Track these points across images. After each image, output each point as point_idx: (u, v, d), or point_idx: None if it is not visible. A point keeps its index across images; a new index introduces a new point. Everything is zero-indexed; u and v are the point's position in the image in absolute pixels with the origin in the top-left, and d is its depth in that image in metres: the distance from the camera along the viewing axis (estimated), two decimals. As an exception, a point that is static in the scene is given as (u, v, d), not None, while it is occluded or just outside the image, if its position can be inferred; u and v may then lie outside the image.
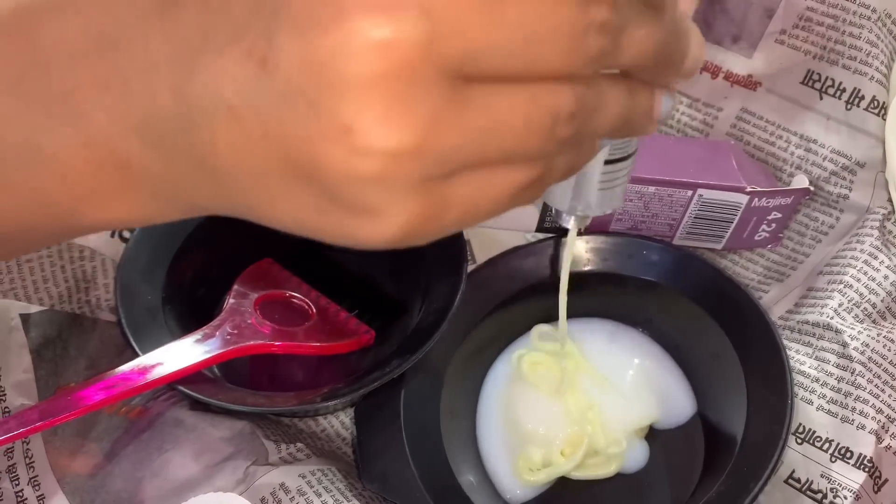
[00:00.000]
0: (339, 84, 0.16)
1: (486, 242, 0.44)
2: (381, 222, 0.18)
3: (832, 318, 0.37)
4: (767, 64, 0.43)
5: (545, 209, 0.41)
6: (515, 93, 0.17)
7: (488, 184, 0.18)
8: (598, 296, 0.42)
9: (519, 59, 0.17)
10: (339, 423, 0.42)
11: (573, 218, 0.29)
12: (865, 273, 0.38)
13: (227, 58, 0.17)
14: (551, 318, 0.43)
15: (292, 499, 0.35)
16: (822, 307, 0.38)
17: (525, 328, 0.43)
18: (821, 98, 0.42)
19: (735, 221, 0.41)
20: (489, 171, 0.18)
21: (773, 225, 0.42)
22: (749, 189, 0.40)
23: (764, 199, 0.41)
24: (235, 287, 0.42)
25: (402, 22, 0.16)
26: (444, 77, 0.16)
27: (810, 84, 0.43)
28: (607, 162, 0.26)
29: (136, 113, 0.19)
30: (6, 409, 0.36)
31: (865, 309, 0.37)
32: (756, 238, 0.43)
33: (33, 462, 0.36)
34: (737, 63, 0.44)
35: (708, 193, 0.40)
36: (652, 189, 0.40)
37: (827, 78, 0.42)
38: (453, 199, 0.18)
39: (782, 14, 0.43)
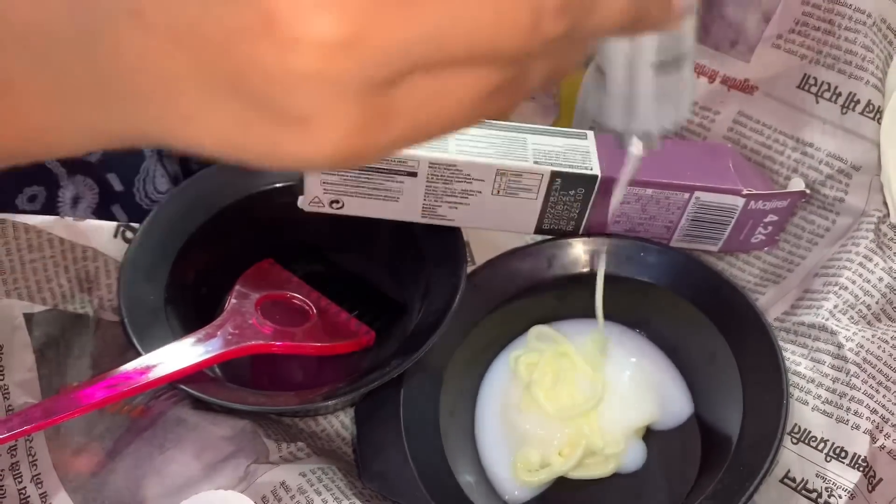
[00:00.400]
0: None
1: (485, 244, 0.45)
2: (315, 134, 0.15)
3: (827, 319, 0.37)
4: (764, 68, 0.44)
5: (544, 209, 0.41)
6: None
7: (446, 89, 0.15)
8: (593, 296, 0.43)
9: None
10: (339, 423, 0.42)
11: (633, 140, 0.24)
12: (860, 275, 0.39)
13: None
14: (549, 319, 0.43)
15: (293, 497, 0.35)
16: (818, 309, 0.38)
17: (523, 329, 0.43)
18: (817, 102, 0.43)
19: (732, 224, 0.42)
20: (448, 73, 0.15)
21: (770, 228, 0.43)
22: (745, 192, 0.41)
23: (760, 201, 0.41)
24: (237, 287, 0.42)
25: None
26: None
27: (806, 88, 0.43)
28: (656, 66, 0.22)
29: (18, 23, 0.16)
30: (10, 408, 0.36)
31: (860, 311, 0.38)
32: (753, 241, 0.43)
33: (36, 460, 0.36)
34: (734, 67, 0.45)
35: (705, 196, 0.41)
36: (649, 191, 0.41)
37: (823, 82, 0.42)
38: (402, 107, 0.15)
39: (779, 19, 0.43)
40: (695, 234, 0.42)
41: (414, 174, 0.39)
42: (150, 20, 0.15)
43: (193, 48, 0.15)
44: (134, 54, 0.15)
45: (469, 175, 0.39)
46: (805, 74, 0.43)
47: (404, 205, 0.40)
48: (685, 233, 0.42)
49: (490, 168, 0.39)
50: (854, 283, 0.38)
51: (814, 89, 0.43)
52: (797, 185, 0.43)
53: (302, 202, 0.40)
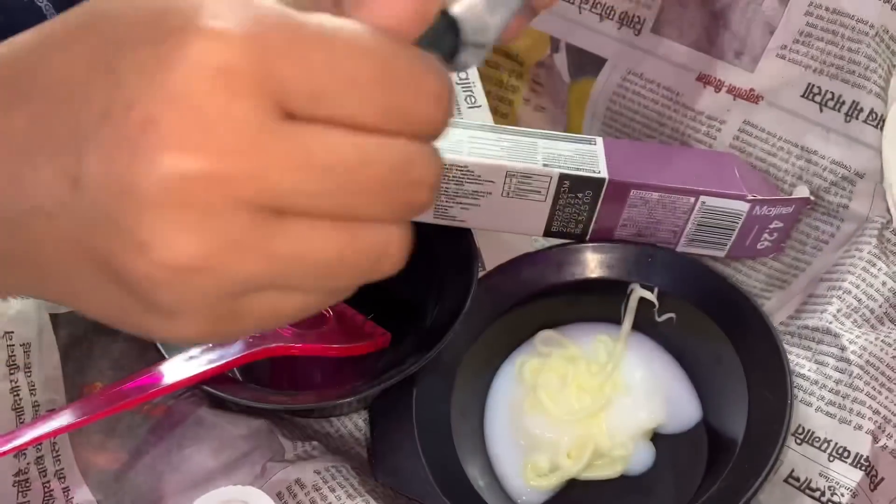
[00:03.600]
0: (139, 205, 0.17)
1: (495, 247, 0.46)
2: (178, 324, 0.19)
3: (831, 322, 0.38)
4: (769, 78, 0.45)
5: (552, 212, 0.42)
6: (329, 229, 0.19)
7: (283, 303, 0.20)
8: (605, 302, 0.44)
9: (325, 200, 0.18)
10: (353, 424, 0.43)
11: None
12: (864, 280, 0.39)
13: (44, 172, 0.19)
14: (556, 323, 0.44)
15: (307, 493, 0.36)
16: (822, 312, 0.39)
17: (532, 333, 0.44)
18: (821, 111, 0.44)
19: (737, 229, 0.43)
20: (286, 292, 0.20)
21: (775, 234, 0.44)
22: (750, 197, 0.42)
23: (765, 207, 0.42)
24: None
25: (200, 161, 0.17)
26: (245, 209, 0.18)
27: (810, 97, 0.44)
28: None
29: None
30: (36, 403, 0.38)
31: (864, 314, 0.38)
32: (758, 247, 0.44)
33: (59, 455, 0.37)
34: (739, 77, 0.46)
35: (710, 201, 0.42)
36: (656, 196, 0.42)
37: (826, 91, 0.43)
38: (246, 313, 0.19)
39: (783, 30, 0.44)
40: (701, 239, 0.43)
41: None
42: (60, 226, 0.19)
43: (89, 251, 0.19)
44: (48, 244, 0.19)
45: (480, 176, 0.40)
46: (809, 84, 0.44)
47: None
48: (691, 238, 0.43)
49: (500, 169, 0.40)
50: (857, 287, 0.39)
51: (818, 98, 0.44)
52: (802, 192, 0.43)
53: None
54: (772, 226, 0.43)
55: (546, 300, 0.44)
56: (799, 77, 0.44)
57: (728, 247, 0.44)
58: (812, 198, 0.43)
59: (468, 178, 0.40)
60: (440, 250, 0.44)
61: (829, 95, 0.43)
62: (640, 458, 0.41)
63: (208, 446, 0.38)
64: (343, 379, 0.43)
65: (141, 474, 0.37)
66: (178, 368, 0.37)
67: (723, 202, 0.42)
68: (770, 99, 0.45)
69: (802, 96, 0.44)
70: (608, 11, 0.50)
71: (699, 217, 0.42)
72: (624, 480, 0.40)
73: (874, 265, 0.40)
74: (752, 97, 0.46)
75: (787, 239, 0.44)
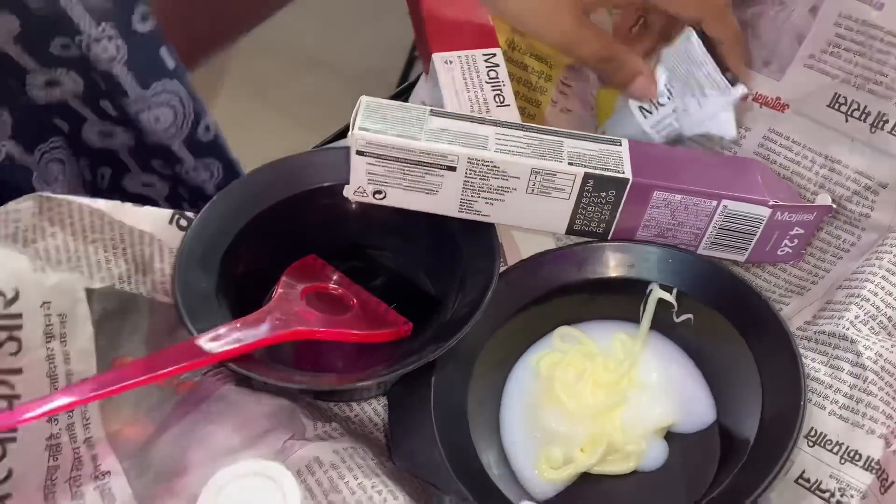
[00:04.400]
0: None
1: (517, 247, 0.47)
2: None
3: (848, 328, 0.39)
4: (795, 87, 0.45)
5: (575, 210, 0.43)
6: None
7: None
8: (624, 301, 0.44)
9: None
10: (372, 409, 0.44)
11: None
12: (883, 288, 0.40)
13: None
14: (575, 320, 0.45)
15: (325, 471, 0.37)
16: (839, 318, 0.39)
17: (551, 329, 0.45)
18: (846, 121, 0.44)
19: (758, 234, 0.43)
20: None
21: (796, 241, 0.44)
22: (772, 202, 0.42)
23: (786, 213, 0.42)
24: (284, 279, 0.45)
25: None
26: None
27: (836, 107, 0.44)
28: None
29: None
30: (69, 372, 0.39)
31: (881, 322, 0.39)
32: (779, 252, 0.44)
33: (89, 424, 0.39)
34: (766, 85, 0.46)
35: (732, 205, 0.42)
36: (678, 197, 0.42)
37: (853, 101, 0.44)
38: None
39: (812, 40, 0.45)
40: (722, 242, 0.44)
41: (453, 169, 0.41)
42: None
43: None
44: None
45: (505, 172, 0.41)
46: (835, 94, 0.44)
47: (443, 198, 0.42)
48: (713, 241, 0.44)
49: (525, 166, 0.41)
50: (876, 295, 0.39)
51: (843, 108, 0.44)
52: (824, 199, 0.44)
53: (347, 191, 0.43)
54: (792, 232, 0.43)
55: (566, 297, 0.45)
56: (826, 87, 0.44)
57: (748, 251, 0.44)
58: (834, 206, 0.44)
59: (493, 174, 0.41)
60: (463, 244, 0.45)
61: (855, 105, 0.44)
62: (653, 455, 0.41)
63: (232, 422, 0.39)
64: (364, 365, 0.44)
65: (166, 446, 0.39)
66: (205, 346, 0.39)
67: (744, 206, 0.42)
68: (796, 108, 0.46)
69: (828, 106, 0.45)
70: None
71: (720, 220, 0.43)
72: (636, 476, 0.41)
73: (894, 274, 0.40)
74: (778, 105, 0.46)
75: (807, 246, 0.45)
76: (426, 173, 0.41)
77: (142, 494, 0.37)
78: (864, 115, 0.43)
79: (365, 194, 0.42)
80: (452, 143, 0.41)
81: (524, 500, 0.36)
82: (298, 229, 0.47)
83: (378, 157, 0.41)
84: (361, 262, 0.49)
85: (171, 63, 0.61)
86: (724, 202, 0.42)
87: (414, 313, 0.46)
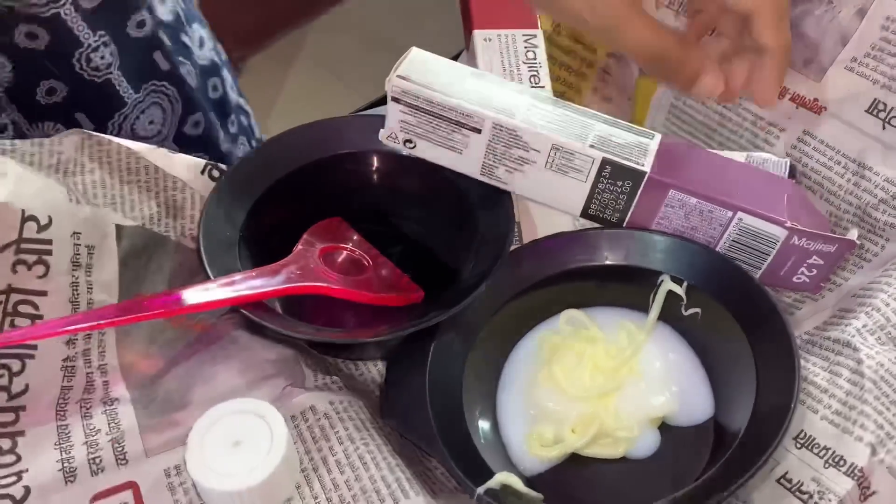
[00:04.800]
0: None
1: (534, 223, 0.47)
2: None
3: (853, 336, 0.38)
4: (834, 90, 0.44)
5: (591, 194, 0.43)
6: None
7: None
8: (634, 289, 0.44)
9: None
10: (376, 370, 0.46)
11: None
12: (895, 299, 0.39)
13: None
14: (583, 304, 0.45)
15: (318, 420, 0.39)
16: (846, 326, 0.39)
17: (558, 311, 0.45)
18: (884, 128, 0.43)
19: (772, 255, 0.42)
20: None
21: (814, 271, 0.42)
22: (789, 224, 0.41)
23: (804, 239, 0.41)
24: (305, 237, 0.46)
25: None
26: None
27: (875, 113, 0.43)
28: None
29: None
30: (91, 301, 0.41)
31: (889, 332, 0.38)
32: (795, 280, 0.43)
33: (104, 352, 0.41)
34: (804, 86, 0.45)
35: (748, 219, 0.41)
36: (694, 201, 0.42)
37: (892, 108, 0.43)
38: None
39: (856, 42, 0.44)
40: (734, 256, 0.43)
41: (479, 131, 0.42)
42: None
43: None
44: None
45: (527, 143, 0.42)
46: (875, 99, 0.43)
47: (467, 158, 0.43)
48: (724, 252, 0.43)
49: (546, 140, 0.41)
50: (888, 305, 0.39)
51: (882, 115, 0.43)
52: (851, 234, 0.42)
53: (381, 135, 0.44)
54: (810, 261, 0.42)
55: (576, 281, 0.45)
56: (866, 91, 0.43)
57: (761, 271, 0.43)
58: (857, 241, 0.42)
59: (516, 143, 0.42)
60: (481, 218, 0.45)
61: (893, 112, 0.43)
62: (644, 443, 0.41)
63: (238, 365, 0.41)
64: (373, 327, 0.46)
65: (173, 381, 0.41)
66: (221, 290, 0.40)
67: (760, 223, 0.41)
68: (833, 111, 0.45)
69: (867, 111, 0.44)
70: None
71: (734, 233, 0.42)
72: (625, 462, 0.41)
73: (910, 287, 0.39)
74: (815, 107, 0.45)
75: (826, 280, 0.43)
76: (453, 131, 0.42)
77: (144, 424, 0.39)
78: (901, 123, 0.42)
79: (397, 140, 0.44)
80: (481, 106, 0.41)
81: (502, 472, 0.37)
82: (324, 192, 0.49)
83: (411, 106, 0.42)
84: (383, 227, 0.50)
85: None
86: (740, 215, 0.41)
87: (429, 282, 0.47)
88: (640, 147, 0.43)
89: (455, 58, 0.61)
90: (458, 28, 0.54)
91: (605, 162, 0.42)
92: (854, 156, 0.44)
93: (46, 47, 0.54)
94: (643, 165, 0.42)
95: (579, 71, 0.57)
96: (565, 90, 0.57)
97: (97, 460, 0.37)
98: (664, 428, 0.42)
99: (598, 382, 0.42)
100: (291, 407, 0.39)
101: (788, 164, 0.45)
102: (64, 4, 0.53)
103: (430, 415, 0.39)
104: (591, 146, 0.42)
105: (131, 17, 0.57)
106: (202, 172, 0.47)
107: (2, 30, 0.52)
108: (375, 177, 0.49)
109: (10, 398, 0.38)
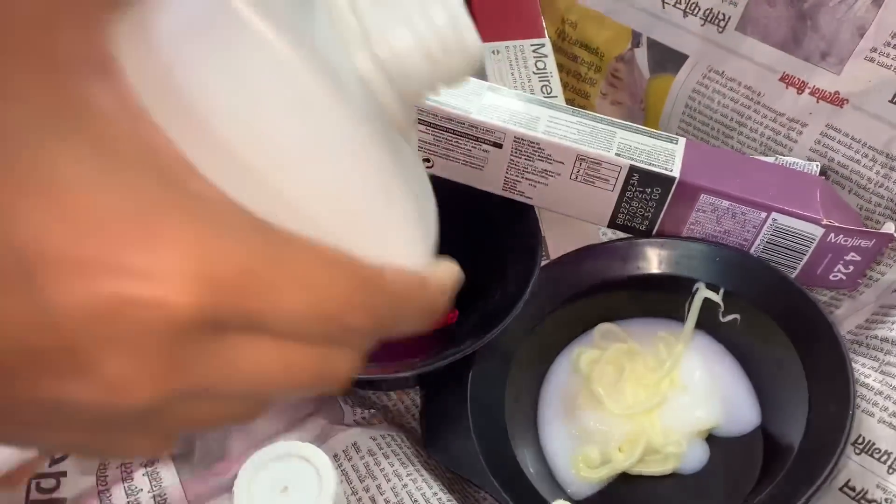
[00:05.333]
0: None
1: (560, 237, 0.46)
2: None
3: (902, 334, 0.37)
4: (855, 81, 0.44)
5: (619, 203, 0.42)
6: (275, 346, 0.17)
7: (208, 411, 0.17)
8: (669, 299, 0.44)
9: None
10: (410, 400, 0.45)
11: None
12: (941, 293, 0.38)
13: None
14: (618, 317, 0.44)
15: (362, 457, 0.38)
16: (892, 323, 0.38)
17: (592, 325, 0.44)
18: (909, 118, 0.42)
19: (808, 254, 0.41)
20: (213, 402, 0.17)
21: (851, 267, 0.42)
22: (825, 222, 0.40)
23: (841, 236, 0.40)
24: None
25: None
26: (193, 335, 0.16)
27: (899, 103, 0.43)
28: None
29: None
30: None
31: (937, 328, 0.37)
32: (831, 278, 0.42)
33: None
34: (824, 79, 0.45)
35: (782, 219, 0.41)
36: (726, 204, 0.41)
37: (917, 98, 0.42)
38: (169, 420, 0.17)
39: (874, 32, 0.43)
40: (769, 258, 0.42)
41: (500, 146, 0.41)
42: None
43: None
44: None
45: (550, 155, 0.41)
46: (898, 89, 0.42)
47: (488, 175, 0.42)
48: (759, 254, 0.42)
49: (571, 151, 0.40)
50: (933, 300, 0.38)
51: (906, 104, 0.42)
52: (888, 227, 0.41)
53: None
54: (847, 257, 0.41)
55: (609, 293, 0.44)
56: (888, 81, 0.43)
57: (797, 271, 0.42)
58: (894, 234, 0.41)
59: (539, 156, 0.41)
60: (507, 237, 0.44)
61: (918, 102, 0.42)
62: (693, 457, 0.40)
63: (276, 407, 0.40)
64: (405, 349, 0.44)
65: (210, 433, 0.40)
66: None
67: (795, 222, 0.40)
68: (855, 103, 0.44)
69: (891, 101, 0.43)
70: (692, 7, 0.49)
71: (769, 234, 0.41)
72: (676, 478, 0.40)
73: (954, 279, 0.38)
74: (836, 100, 0.45)
75: (863, 276, 0.42)
76: (473, 147, 0.41)
77: (186, 478, 0.38)
78: (927, 112, 0.42)
79: None
80: (501, 120, 0.40)
81: (557, 500, 0.36)
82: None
83: (428, 124, 0.41)
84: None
85: None
86: (774, 215, 0.40)
87: (458, 302, 0.45)
88: (666, 152, 0.42)
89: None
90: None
91: (632, 170, 0.41)
92: (881, 147, 0.43)
93: None
94: (672, 171, 0.41)
95: (587, 76, 0.56)
96: (574, 97, 0.56)
97: (140, 515, 0.36)
98: (711, 440, 0.41)
99: (640, 398, 0.41)
100: (334, 445, 0.38)
101: (819, 167, 0.44)
102: None
103: (477, 448, 0.38)
104: (618, 154, 0.41)
105: None
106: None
107: None
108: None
109: (51, 464, 0.37)
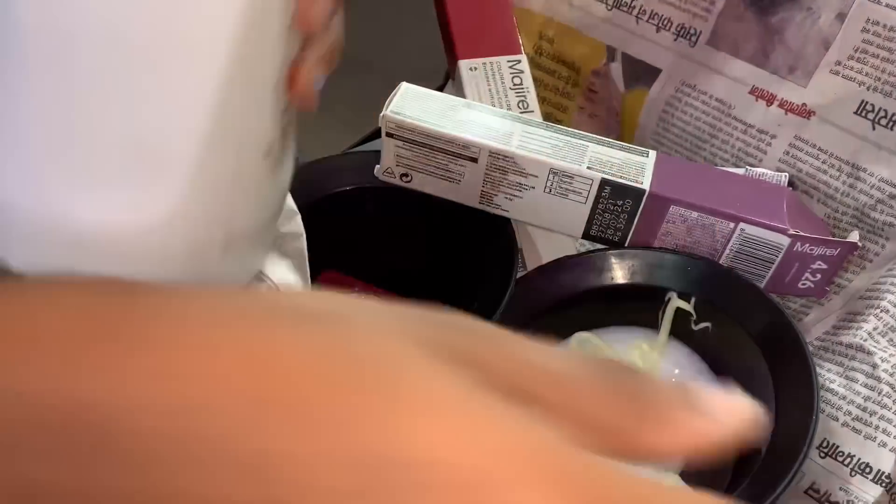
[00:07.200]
0: None
1: (536, 249, 0.47)
2: None
3: (865, 340, 0.38)
4: (822, 94, 0.45)
5: (592, 215, 0.43)
6: None
7: None
8: (643, 308, 0.44)
9: None
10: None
11: None
12: (903, 299, 0.39)
13: None
14: (593, 326, 0.45)
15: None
16: (857, 329, 0.39)
17: (568, 336, 0.45)
18: (873, 128, 0.43)
19: (776, 263, 0.42)
20: None
21: (819, 276, 0.43)
22: (792, 231, 0.41)
23: (807, 245, 0.41)
24: None
25: None
26: None
27: (863, 114, 0.44)
28: None
29: None
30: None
31: (900, 334, 0.38)
32: (800, 286, 0.43)
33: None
34: (792, 92, 0.46)
35: (750, 229, 0.41)
36: (695, 215, 0.42)
37: (880, 109, 0.43)
38: None
39: (839, 45, 0.44)
40: (739, 267, 0.43)
41: (475, 160, 0.42)
42: None
43: None
44: None
45: (524, 169, 0.42)
46: (862, 101, 0.44)
47: (465, 188, 0.43)
48: (729, 264, 0.43)
49: (544, 165, 0.41)
50: (896, 306, 0.39)
51: (870, 115, 0.44)
52: (852, 236, 0.43)
53: (377, 171, 0.44)
54: (814, 266, 0.42)
55: (583, 304, 0.45)
56: (853, 94, 0.44)
57: (766, 279, 0.43)
58: (859, 243, 0.42)
59: (513, 170, 0.42)
60: (483, 253, 0.45)
61: (882, 113, 0.43)
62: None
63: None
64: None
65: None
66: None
67: (762, 232, 0.41)
68: (822, 115, 0.45)
69: (855, 113, 0.44)
70: (665, 23, 0.51)
71: (737, 244, 0.42)
72: (649, 483, 0.41)
73: (916, 286, 0.39)
74: (803, 112, 0.46)
75: (830, 283, 0.43)
76: (449, 162, 0.42)
77: None
78: (891, 123, 0.43)
79: (393, 176, 0.44)
80: (476, 135, 0.42)
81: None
82: (317, 235, 0.48)
83: (406, 140, 0.42)
84: (383, 267, 0.50)
85: None
86: (742, 225, 0.41)
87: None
88: (637, 165, 0.43)
89: (441, 87, 0.61)
90: (435, 46, 0.54)
91: (604, 182, 0.42)
92: (847, 158, 0.44)
93: None
94: (642, 183, 0.42)
95: (565, 91, 0.57)
96: (552, 111, 0.57)
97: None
98: (684, 444, 0.42)
99: (615, 405, 0.42)
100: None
101: (787, 178, 0.45)
102: None
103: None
104: (589, 168, 0.42)
105: None
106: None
107: None
108: (368, 215, 0.49)
109: None
